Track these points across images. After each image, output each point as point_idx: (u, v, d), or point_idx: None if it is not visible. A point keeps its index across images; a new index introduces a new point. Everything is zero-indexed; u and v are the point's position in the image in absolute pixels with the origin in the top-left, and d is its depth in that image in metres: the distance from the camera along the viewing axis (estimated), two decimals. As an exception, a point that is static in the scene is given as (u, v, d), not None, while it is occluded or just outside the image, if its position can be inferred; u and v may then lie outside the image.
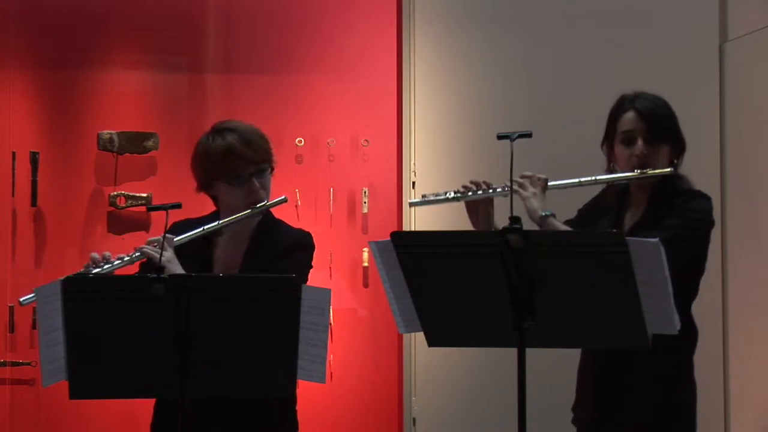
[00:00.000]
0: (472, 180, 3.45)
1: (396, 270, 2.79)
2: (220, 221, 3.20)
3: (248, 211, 3.23)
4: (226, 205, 3.26)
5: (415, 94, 4.75)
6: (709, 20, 4.75)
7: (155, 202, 4.61)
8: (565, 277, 2.68)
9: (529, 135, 3.04)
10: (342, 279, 4.75)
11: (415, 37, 4.76)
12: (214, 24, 4.86)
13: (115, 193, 4.67)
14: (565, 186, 3.39)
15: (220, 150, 3.20)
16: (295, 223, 4.69)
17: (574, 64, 4.72)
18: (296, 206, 4.74)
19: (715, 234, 4.63)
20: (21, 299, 3.11)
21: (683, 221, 3.21)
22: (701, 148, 4.70)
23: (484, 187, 3.41)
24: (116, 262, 3.11)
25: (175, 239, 3.15)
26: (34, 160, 4.64)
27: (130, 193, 4.68)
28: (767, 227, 4.48)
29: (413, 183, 4.72)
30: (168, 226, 3.01)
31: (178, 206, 3.18)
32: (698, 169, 4.61)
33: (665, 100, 3.39)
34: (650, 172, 3.28)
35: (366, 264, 4.75)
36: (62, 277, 2.75)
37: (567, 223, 3.43)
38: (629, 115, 3.32)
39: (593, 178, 3.37)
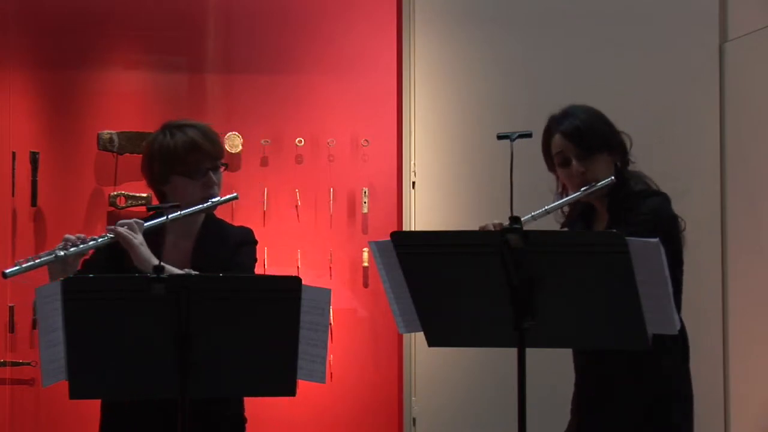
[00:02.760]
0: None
1: (396, 270, 2.79)
2: (182, 211, 3.22)
3: (209, 203, 3.29)
4: (179, 199, 3.30)
5: (415, 94, 4.75)
6: (709, 20, 4.74)
7: (155, 202, 4.61)
8: (565, 277, 2.68)
9: (529, 135, 3.04)
10: (342, 279, 4.75)
11: (415, 37, 4.76)
12: (214, 24, 4.86)
13: (115, 193, 4.67)
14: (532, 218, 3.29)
15: (184, 144, 3.28)
16: (295, 224, 4.74)
17: (574, 64, 4.72)
18: (296, 206, 4.74)
19: (715, 234, 4.66)
20: (5, 271, 3.07)
21: (631, 228, 3.08)
22: (701, 148, 4.71)
23: None
24: (90, 243, 3.13)
25: (144, 224, 3.20)
26: (34, 160, 4.65)
27: (130, 193, 4.68)
28: (767, 227, 4.48)
29: (413, 183, 4.72)
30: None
31: (177, 206, 3.19)
32: (698, 169, 4.67)
33: (591, 109, 3.35)
34: (594, 186, 3.24)
35: (366, 264, 4.75)
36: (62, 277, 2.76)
37: None
38: (556, 139, 3.31)
39: (544, 209, 3.26)
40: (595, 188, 3.25)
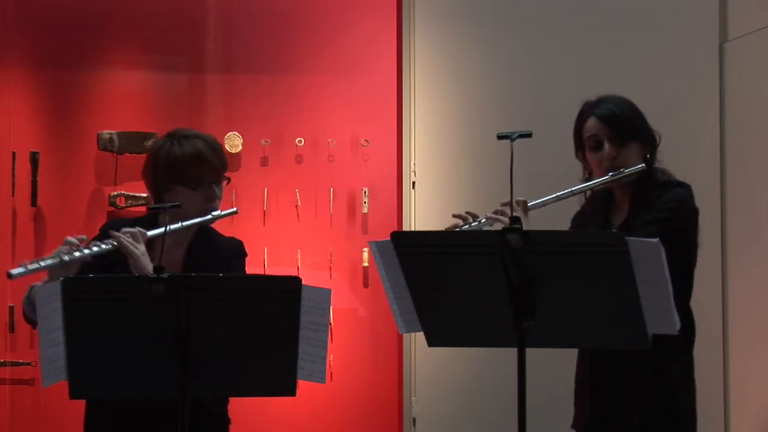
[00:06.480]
0: (455, 214, 3.44)
1: (396, 270, 2.79)
2: (184, 222, 3.22)
3: (209, 216, 3.28)
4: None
5: (415, 94, 4.75)
6: (709, 20, 4.74)
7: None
8: (565, 277, 2.68)
9: (529, 135, 3.05)
10: (342, 279, 4.75)
11: (415, 37, 4.76)
12: (214, 24, 4.86)
13: (115, 193, 4.67)
14: (545, 203, 3.39)
15: (190, 155, 3.26)
16: (294, 224, 4.74)
17: (573, 63, 4.72)
18: (296, 206, 4.74)
19: (715, 234, 4.66)
20: (11, 272, 3.06)
21: (656, 215, 3.23)
22: (701, 148, 4.71)
23: (470, 220, 3.40)
24: (94, 249, 3.11)
25: (148, 234, 3.18)
26: (34, 160, 4.65)
27: (130, 193, 4.68)
28: (767, 227, 4.48)
29: (413, 183, 4.72)
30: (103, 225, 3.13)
31: (177, 206, 3.19)
32: (698, 169, 4.66)
33: (626, 100, 3.42)
34: (623, 172, 3.31)
35: (366, 264, 4.75)
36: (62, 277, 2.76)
37: None
38: (591, 122, 3.37)
39: (570, 190, 3.38)
40: (623, 174, 3.31)
